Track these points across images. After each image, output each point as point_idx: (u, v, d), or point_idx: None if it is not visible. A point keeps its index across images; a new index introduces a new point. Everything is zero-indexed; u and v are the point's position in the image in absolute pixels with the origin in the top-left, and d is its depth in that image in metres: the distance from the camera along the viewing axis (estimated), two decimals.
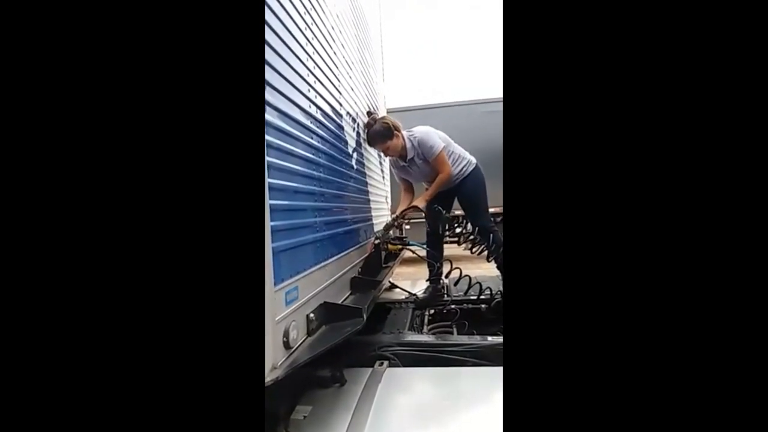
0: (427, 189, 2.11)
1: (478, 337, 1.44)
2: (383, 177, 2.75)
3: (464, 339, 1.42)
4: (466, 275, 1.88)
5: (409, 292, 2.22)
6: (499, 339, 1.41)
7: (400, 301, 2.08)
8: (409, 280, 2.64)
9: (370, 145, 1.96)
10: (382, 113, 2.78)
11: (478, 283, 1.89)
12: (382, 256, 1.80)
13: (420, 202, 2.01)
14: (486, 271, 2.46)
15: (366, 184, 2.01)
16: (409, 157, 2.02)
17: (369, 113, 1.97)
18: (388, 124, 1.91)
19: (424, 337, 1.51)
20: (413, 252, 2.16)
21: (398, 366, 1.25)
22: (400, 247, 1.89)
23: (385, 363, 1.25)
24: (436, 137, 2.02)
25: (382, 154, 2.37)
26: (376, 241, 1.81)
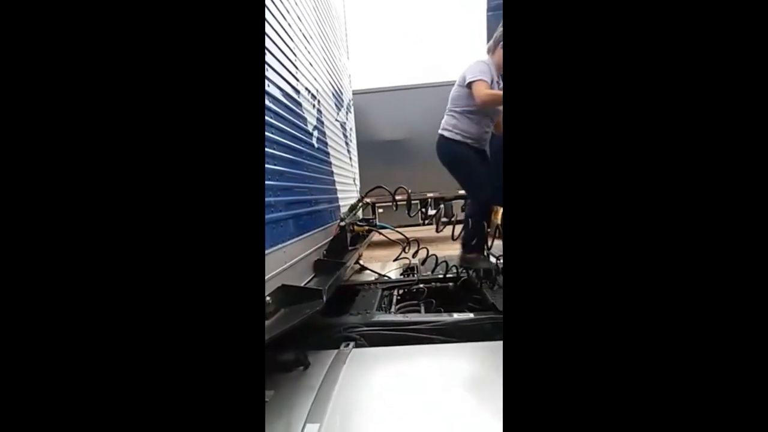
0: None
1: (444, 315, 1.45)
2: (350, 158, 2.69)
3: (430, 317, 1.43)
4: (433, 254, 1.88)
5: (379, 274, 2.21)
6: (465, 315, 1.43)
7: (371, 282, 2.07)
8: (380, 262, 2.64)
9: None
10: (347, 91, 2.71)
11: (444, 261, 1.90)
12: (348, 238, 1.77)
13: None
14: (457, 251, 2.49)
15: (330, 164, 1.96)
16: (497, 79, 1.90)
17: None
18: None
19: (391, 317, 1.50)
20: (383, 235, 2.14)
21: (365, 346, 1.24)
22: (366, 228, 1.87)
23: (351, 344, 1.24)
24: None
25: (348, 135, 2.30)
26: (342, 223, 1.77)
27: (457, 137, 1.87)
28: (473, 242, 1.86)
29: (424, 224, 1.94)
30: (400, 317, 1.48)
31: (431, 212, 4.50)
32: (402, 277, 2.22)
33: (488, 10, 2.31)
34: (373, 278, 2.18)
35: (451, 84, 1.94)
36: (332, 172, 1.99)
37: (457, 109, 1.88)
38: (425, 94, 5.40)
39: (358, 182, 2.96)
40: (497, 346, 1.15)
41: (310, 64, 1.66)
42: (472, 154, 1.88)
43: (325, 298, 1.09)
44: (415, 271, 2.17)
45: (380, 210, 5.30)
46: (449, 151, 1.89)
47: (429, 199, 2.10)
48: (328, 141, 1.96)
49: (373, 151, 5.10)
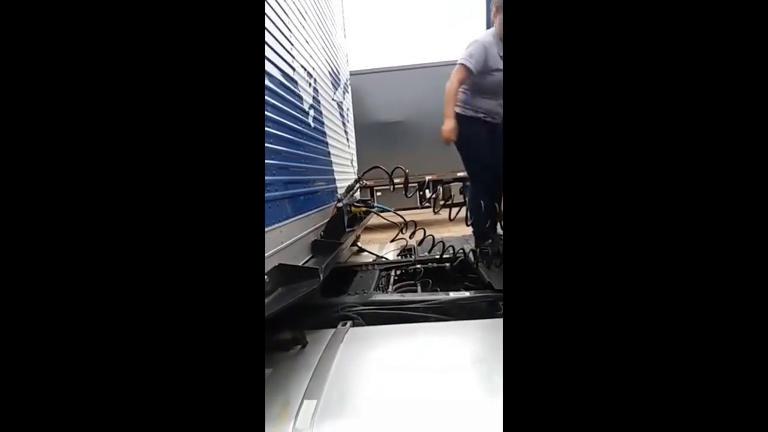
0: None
1: (441, 293, 1.46)
2: (348, 139, 2.67)
3: (427, 296, 1.44)
4: (430, 235, 1.88)
5: (377, 255, 2.22)
6: (462, 294, 1.44)
7: (369, 264, 2.08)
8: (378, 245, 2.65)
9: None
10: (344, 71, 2.66)
11: (441, 242, 1.91)
12: (345, 219, 1.76)
13: None
14: (455, 233, 2.50)
15: (327, 144, 1.94)
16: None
17: None
18: None
19: (388, 296, 1.51)
20: (382, 217, 2.14)
21: (362, 325, 1.25)
22: (363, 209, 1.86)
23: (349, 323, 1.25)
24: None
25: (345, 116, 2.27)
26: (339, 204, 1.77)
27: (469, 113, 1.82)
28: (486, 225, 1.86)
29: (422, 206, 1.93)
30: (397, 296, 1.49)
31: (429, 194, 4.49)
32: (400, 258, 2.23)
33: None
34: (371, 260, 2.19)
35: (451, 64, 1.89)
36: (329, 153, 1.97)
37: (465, 85, 1.81)
38: (425, 74, 5.29)
39: (355, 164, 2.94)
40: (493, 323, 1.16)
41: (306, 41, 1.62)
42: (485, 132, 1.82)
43: (322, 277, 1.09)
44: (413, 252, 2.17)
45: (379, 193, 5.29)
46: (459, 130, 1.80)
47: (428, 182, 2.07)
48: (325, 121, 1.93)
49: (372, 133, 5.04)
